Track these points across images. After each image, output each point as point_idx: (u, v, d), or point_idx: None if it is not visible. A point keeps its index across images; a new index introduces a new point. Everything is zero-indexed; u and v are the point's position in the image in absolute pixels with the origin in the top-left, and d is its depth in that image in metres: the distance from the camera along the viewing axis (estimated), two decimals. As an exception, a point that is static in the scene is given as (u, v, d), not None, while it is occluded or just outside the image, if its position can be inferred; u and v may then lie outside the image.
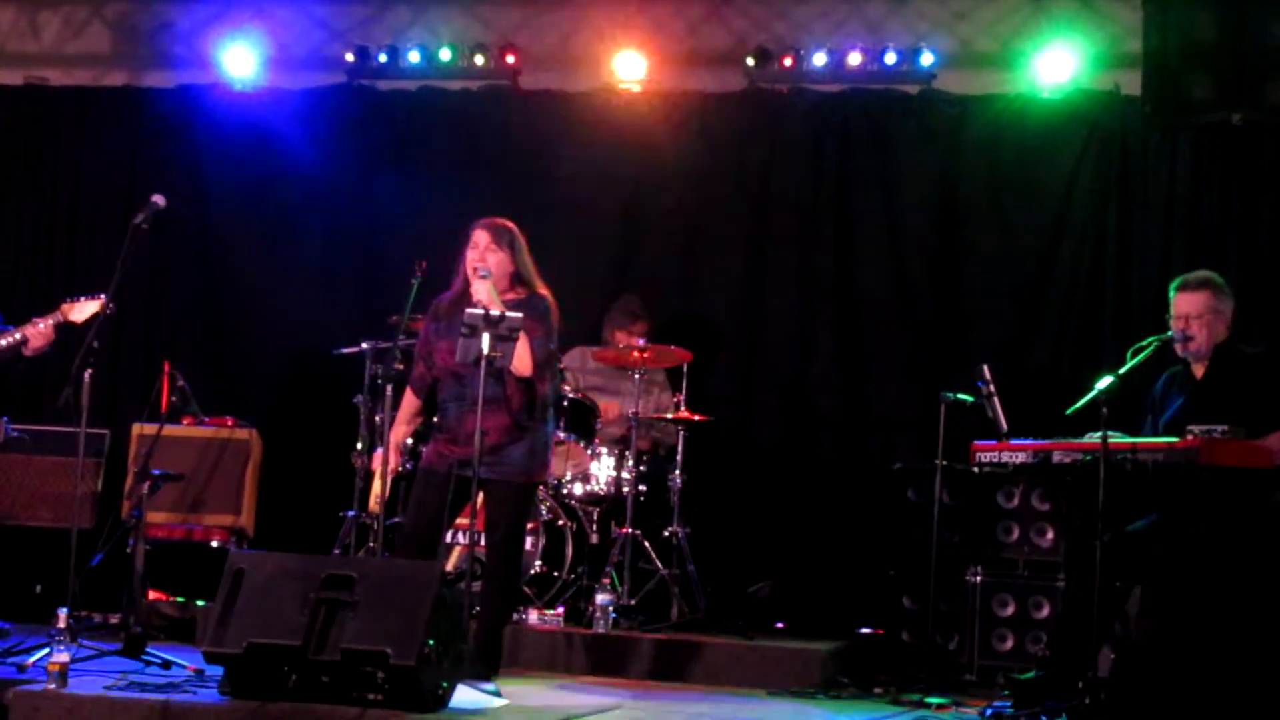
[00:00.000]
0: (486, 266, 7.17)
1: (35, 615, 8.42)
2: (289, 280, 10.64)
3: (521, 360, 7.08)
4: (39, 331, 7.97)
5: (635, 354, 9.11)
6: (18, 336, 7.98)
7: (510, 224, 7.37)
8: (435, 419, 7.50)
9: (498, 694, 6.84)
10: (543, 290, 7.37)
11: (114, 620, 8.83)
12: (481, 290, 7.07)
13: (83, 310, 8.00)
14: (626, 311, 9.78)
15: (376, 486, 7.49)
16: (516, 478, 7.18)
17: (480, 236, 7.30)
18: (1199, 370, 7.36)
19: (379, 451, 7.58)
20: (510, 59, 10.56)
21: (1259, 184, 9.52)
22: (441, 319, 7.32)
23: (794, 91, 10.30)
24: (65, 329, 8.08)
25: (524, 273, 7.34)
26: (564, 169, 10.37)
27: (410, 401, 7.50)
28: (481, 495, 7.28)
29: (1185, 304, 7.36)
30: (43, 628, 7.20)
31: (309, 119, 10.68)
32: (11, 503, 9.51)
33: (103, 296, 7.88)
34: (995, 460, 7.37)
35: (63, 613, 6.57)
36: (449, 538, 8.47)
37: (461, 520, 7.47)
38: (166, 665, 7.21)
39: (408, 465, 8.63)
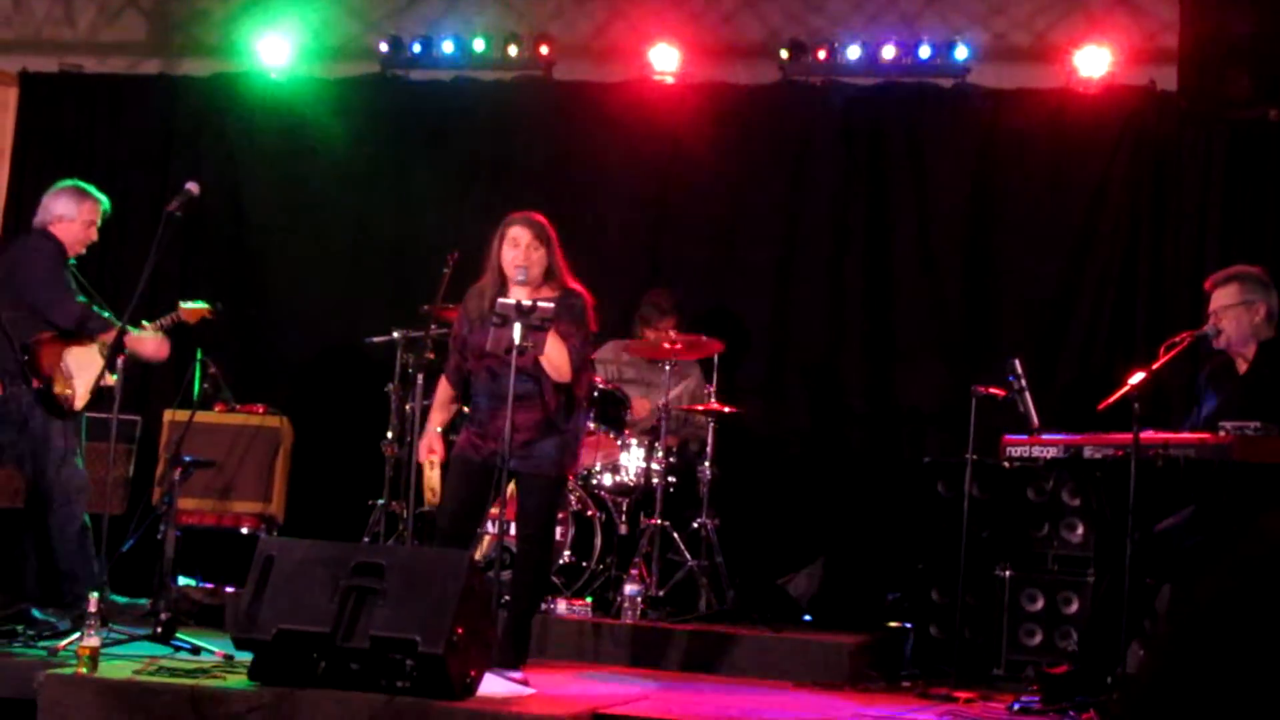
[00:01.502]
0: (526, 268, 7.13)
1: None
2: (321, 268, 10.67)
3: (559, 369, 7.05)
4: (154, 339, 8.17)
5: (666, 346, 9.10)
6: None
7: (545, 219, 7.31)
8: (467, 409, 7.49)
9: (526, 683, 6.84)
10: (576, 285, 7.29)
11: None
12: (520, 296, 6.99)
13: (194, 312, 8.42)
14: (656, 306, 9.76)
15: (432, 478, 7.44)
16: (549, 471, 7.17)
17: (522, 234, 7.18)
18: (1241, 366, 7.32)
19: (422, 442, 7.54)
20: (544, 50, 10.57)
21: (1295, 180, 9.50)
22: (474, 313, 7.29)
23: (827, 84, 10.30)
24: (178, 329, 8.38)
25: (556, 268, 7.25)
26: (596, 160, 10.37)
27: (445, 390, 7.48)
28: (512, 486, 7.28)
29: (1216, 298, 7.35)
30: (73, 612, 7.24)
31: (342, 108, 10.72)
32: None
33: (211, 304, 8.48)
34: (1026, 455, 7.34)
35: (93, 597, 6.61)
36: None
37: (492, 510, 7.47)
38: (196, 651, 7.22)
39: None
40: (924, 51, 10.09)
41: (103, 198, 8.27)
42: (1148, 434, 6.89)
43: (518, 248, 7.15)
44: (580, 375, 7.22)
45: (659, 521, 8.92)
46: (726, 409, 9.19)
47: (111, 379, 7.85)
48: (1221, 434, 6.84)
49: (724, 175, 10.32)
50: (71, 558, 7.88)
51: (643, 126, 10.36)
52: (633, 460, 9.21)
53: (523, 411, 6.99)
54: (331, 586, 6.26)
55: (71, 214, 8.14)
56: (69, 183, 8.28)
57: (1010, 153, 9.98)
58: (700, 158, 10.29)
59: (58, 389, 7.88)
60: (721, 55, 10.46)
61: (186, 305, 8.39)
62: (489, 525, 8.37)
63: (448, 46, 10.69)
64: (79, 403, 7.92)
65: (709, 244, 10.39)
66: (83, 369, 7.92)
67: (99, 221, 8.25)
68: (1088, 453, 7.14)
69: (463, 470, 7.20)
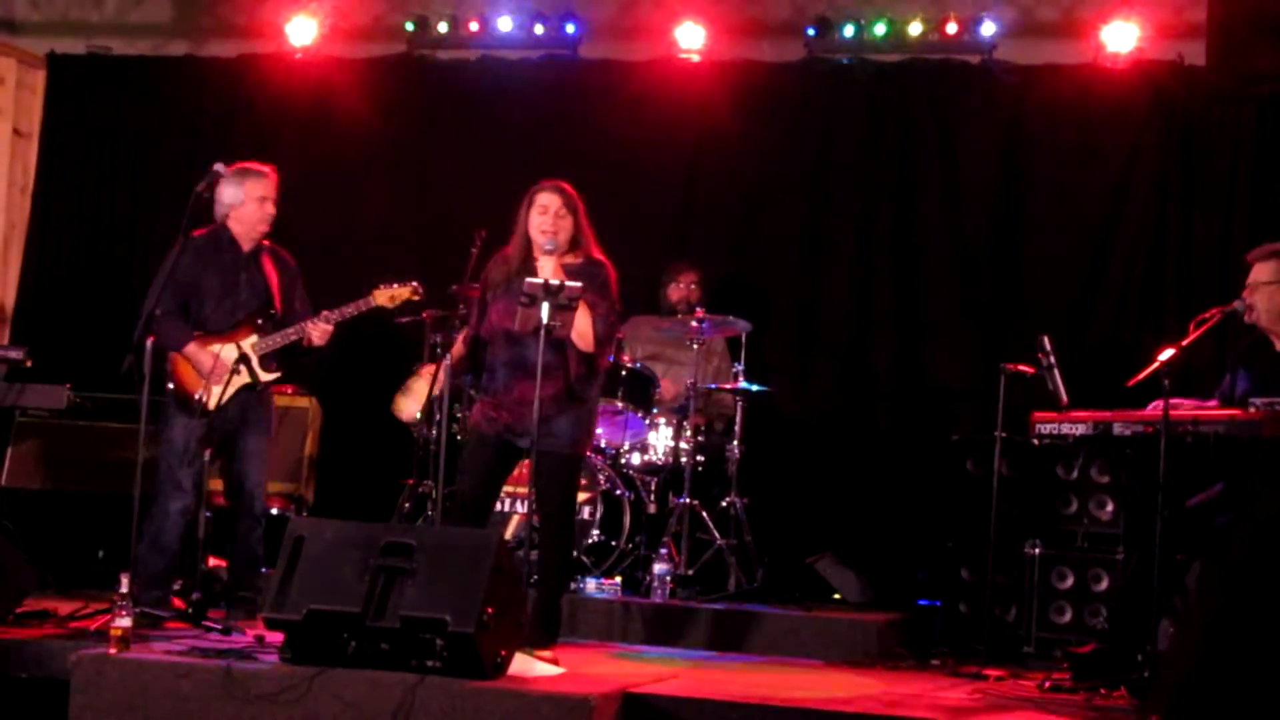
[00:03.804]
0: (554, 238, 7.13)
1: (98, 581, 8.50)
2: (349, 249, 10.65)
3: (584, 337, 7.05)
4: (321, 330, 8.17)
5: (694, 324, 9.09)
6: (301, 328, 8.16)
7: (572, 189, 7.28)
8: (483, 379, 7.42)
9: (555, 662, 6.85)
10: (600, 255, 7.28)
11: (176, 586, 8.91)
12: (547, 267, 6.99)
13: (395, 296, 8.19)
14: (674, 269, 9.81)
15: (419, 393, 7.38)
16: (564, 450, 7.15)
17: (551, 200, 7.18)
18: (1278, 345, 7.27)
19: (427, 366, 7.47)
20: (570, 28, 10.57)
21: (1323, 155, 9.45)
22: (497, 280, 7.27)
23: (854, 61, 10.26)
24: (372, 315, 8.29)
25: (582, 238, 7.25)
26: (623, 139, 10.34)
27: (458, 349, 7.47)
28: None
29: (1253, 272, 7.32)
30: (105, 593, 7.27)
31: (369, 89, 10.71)
32: (74, 469, 9.58)
33: (414, 282, 8.17)
34: (1055, 432, 7.33)
35: (125, 578, 6.63)
36: (507, 506, 8.51)
37: (520, 489, 7.47)
38: (227, 631, 7.26)
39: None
40: (951, 27, 10.06)
41: (266, 168, 8.16)
42: (1178, 409, 6.86)
43: (546, 214, 7.17)
44: (603, 347, 7.21)
45: (688, 500, 8.93)
46: (755, 387, 9.18)
47: (265, 375, 7.95)
48: (1252, 410, 6.82)
49: (750, 153, 10.30)
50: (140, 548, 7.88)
51: (669, 105, 10.33)
52: (661, 439, 9.21)
53: (543, 384, 6.96)
54: (361, 566, 6.28)
55: (238, 198, 8.07)
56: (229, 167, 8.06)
57: (1038, 129, 9.94)
58: (727, 136, 10.27)
59: (188, 391, 7.90)
60: (747, 33, 10.43)
61: (384, 290, 8.20)
62: (518, 505, 8.39)
63: (474, 26, 10.70)
64: (212, 403, 7.91)
65: (736, 222, 10.38)
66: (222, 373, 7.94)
67: (272, 193, 8.13)
68: (1117, 429, 7.13)
69: (477, 447, 7.21)
